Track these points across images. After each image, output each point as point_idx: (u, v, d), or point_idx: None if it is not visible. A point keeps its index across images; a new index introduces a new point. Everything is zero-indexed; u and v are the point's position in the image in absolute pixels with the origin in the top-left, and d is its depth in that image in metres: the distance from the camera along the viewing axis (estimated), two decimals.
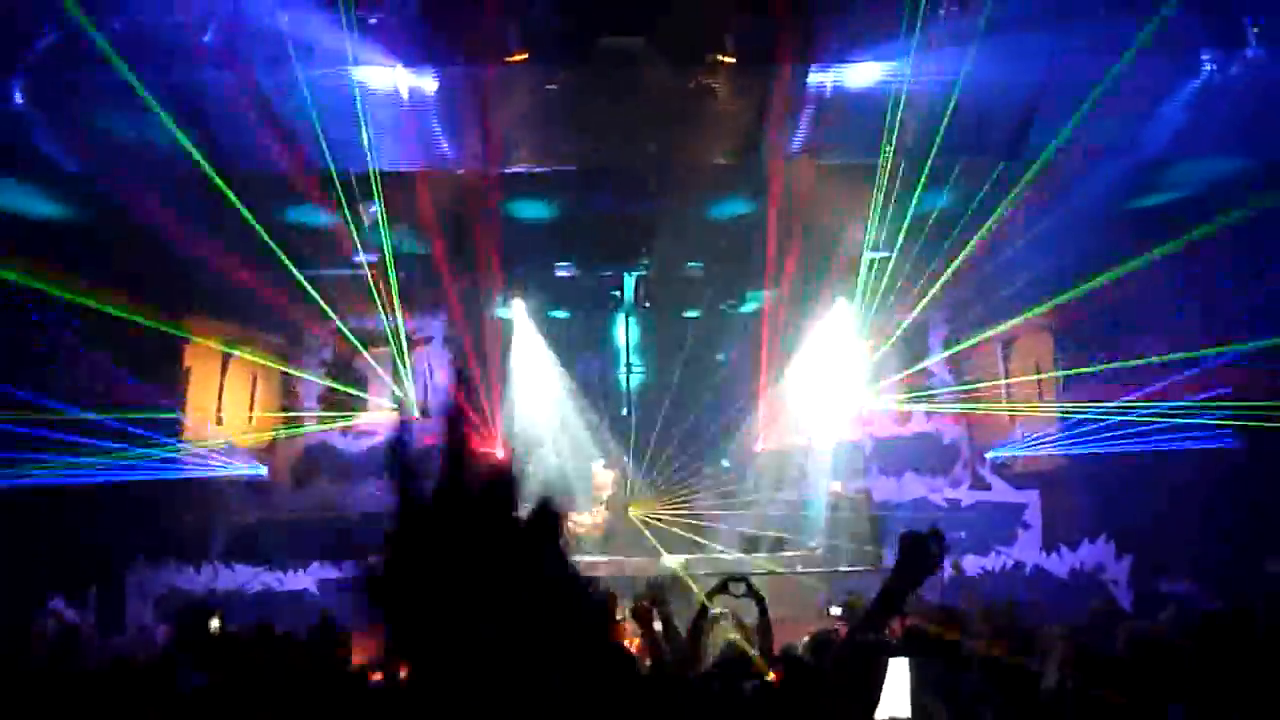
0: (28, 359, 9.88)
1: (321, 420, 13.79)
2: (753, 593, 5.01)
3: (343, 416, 13.78)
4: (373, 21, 9.65)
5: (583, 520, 10.82)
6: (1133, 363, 11.02)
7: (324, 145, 10.27)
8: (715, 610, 5.47)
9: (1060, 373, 13.07)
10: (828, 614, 7.59)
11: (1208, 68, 9.77)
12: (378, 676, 5.06)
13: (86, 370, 10.69)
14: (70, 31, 9.11)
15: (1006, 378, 13.81)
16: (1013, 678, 3.63)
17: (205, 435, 12.84)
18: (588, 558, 10.18)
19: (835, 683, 2.75)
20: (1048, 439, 12.87)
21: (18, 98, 9.55)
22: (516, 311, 13.36)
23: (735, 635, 5.32)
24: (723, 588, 5.01)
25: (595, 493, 11.27)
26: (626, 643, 5.90)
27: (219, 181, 10.32)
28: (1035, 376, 13.56)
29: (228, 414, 13.40)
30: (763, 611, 4.91)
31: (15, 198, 10.15)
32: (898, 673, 3.00)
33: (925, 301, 12.75)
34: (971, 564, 12.74)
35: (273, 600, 11.83)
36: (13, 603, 9.18)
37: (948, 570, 10.98)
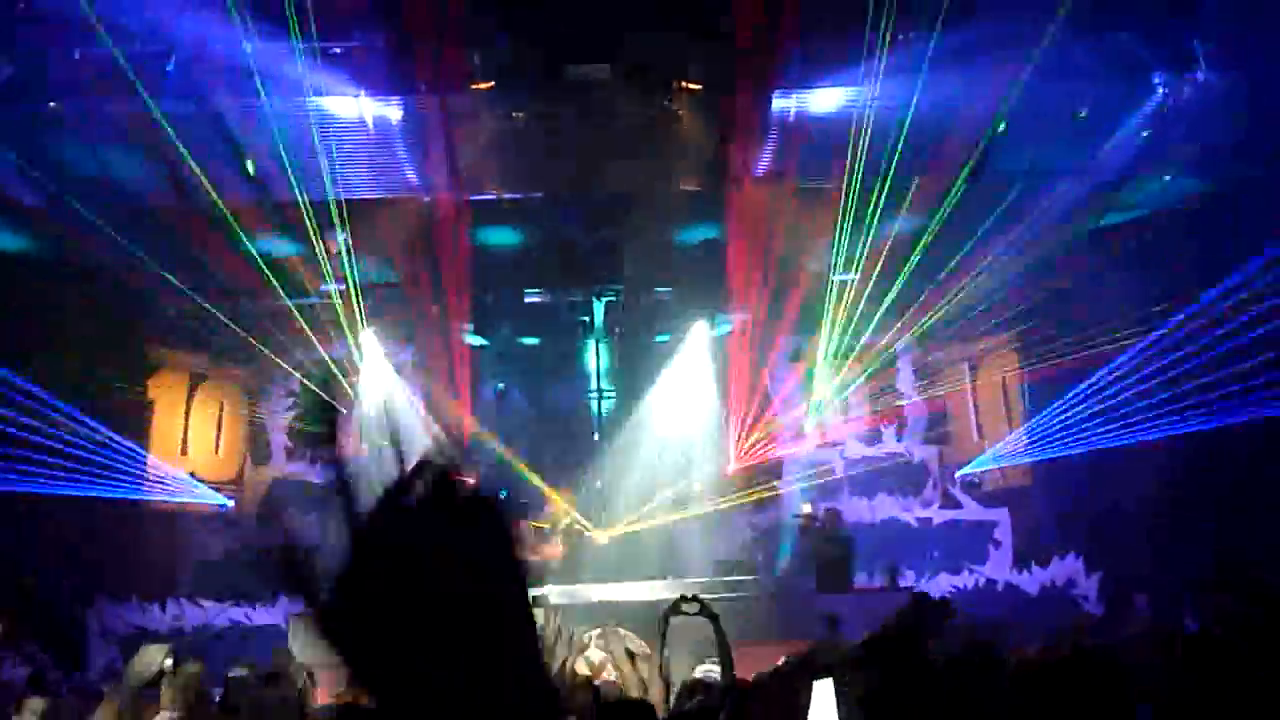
0: None
1: (290, 452, 13.64)
2: (706, 611, 4.97)
3: (310, 448, 13.63)
4: (336, 51, 9.65)
5: (542, 547, 10.73)
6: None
7: (289, 175, 10.23)
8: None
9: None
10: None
11: (1160, 91, 9.98)
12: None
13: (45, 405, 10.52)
14: (29, 63, 9.03)
15: (974, 397, 13.93)
16: (975, 684, 3.62)
17: (171, 467, 12.66)
18: (547, 588, 10.09)
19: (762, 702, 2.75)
20: (1014, 452, 12.98)
21: None
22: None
23: (708, 666, 5.27)
24: (675, 608, 4.98)
25: (553, 519, 11.19)
26: (589, 672, 5.85)
27: (182, 212, 10.25)
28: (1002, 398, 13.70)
29: (194, 446, 13.23)
30: (718, 631, 4.85)
31: None
32: (822, 695, 3.01)
33: (894, 323, 12.88)
34: (944, 582, 12.80)
35: (242, 636, 11.63)
36: None
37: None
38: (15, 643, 9.70)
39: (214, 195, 10.32)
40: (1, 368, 9.84)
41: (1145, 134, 10.25)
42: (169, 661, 3.81)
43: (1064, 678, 3.67)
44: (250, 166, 9.91)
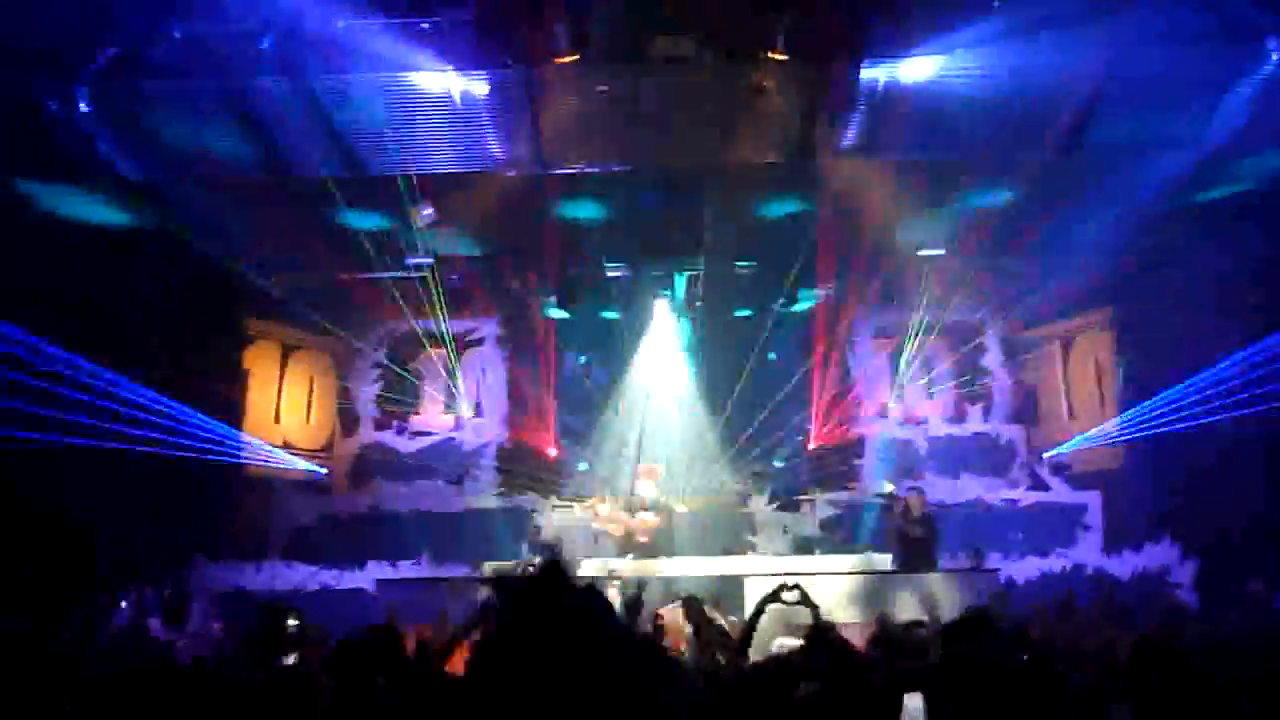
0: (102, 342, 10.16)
1: (377, 422, 13.97)
2: (806, 600, 4.94)
3: (399, 417, 13.95)
4: (425, 26, 9.75)
5: (628, 520, 10.77)
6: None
7: (377, 149, 10.41)
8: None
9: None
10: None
11: (1275, 57, 9.47)
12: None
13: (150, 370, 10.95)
14: (131, 43, 9.33)
15: (1065, 377, 13.54)
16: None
17: (265, 436, 13.08)
18: (634, 560, 10.16)
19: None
20: (1110, 433, 12.57)
21: (82, 106, 9.81)
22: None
23: (792, 640, 5.27)
24: (775, 596, 4.95)
25: (641, 493, 11.19)
26: (670, 641, 5.89)
27: (275, 186, 10.52)
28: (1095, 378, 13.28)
29: (286, 415, 13.64)
30: (816, 619, 4.83)
31: (80, 206, 10.43)
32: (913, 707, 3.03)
33: (982, 299, 12.58)
34: (1030, 566, 12.52)
35: (331, 599, 11.99)
36: (82, 598, 9.41)
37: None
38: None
39: (305, 170, 10.58)
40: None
41: (1255, 104, 9.73)
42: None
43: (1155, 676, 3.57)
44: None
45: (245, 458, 12.56)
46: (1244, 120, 9.91)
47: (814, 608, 4.83)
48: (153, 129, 10.18)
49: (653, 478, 11.26)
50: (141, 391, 10.67)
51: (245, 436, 12.81)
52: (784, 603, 4.93)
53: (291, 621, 5.30)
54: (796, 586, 4.99)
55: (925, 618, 5.77)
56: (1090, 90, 9.76)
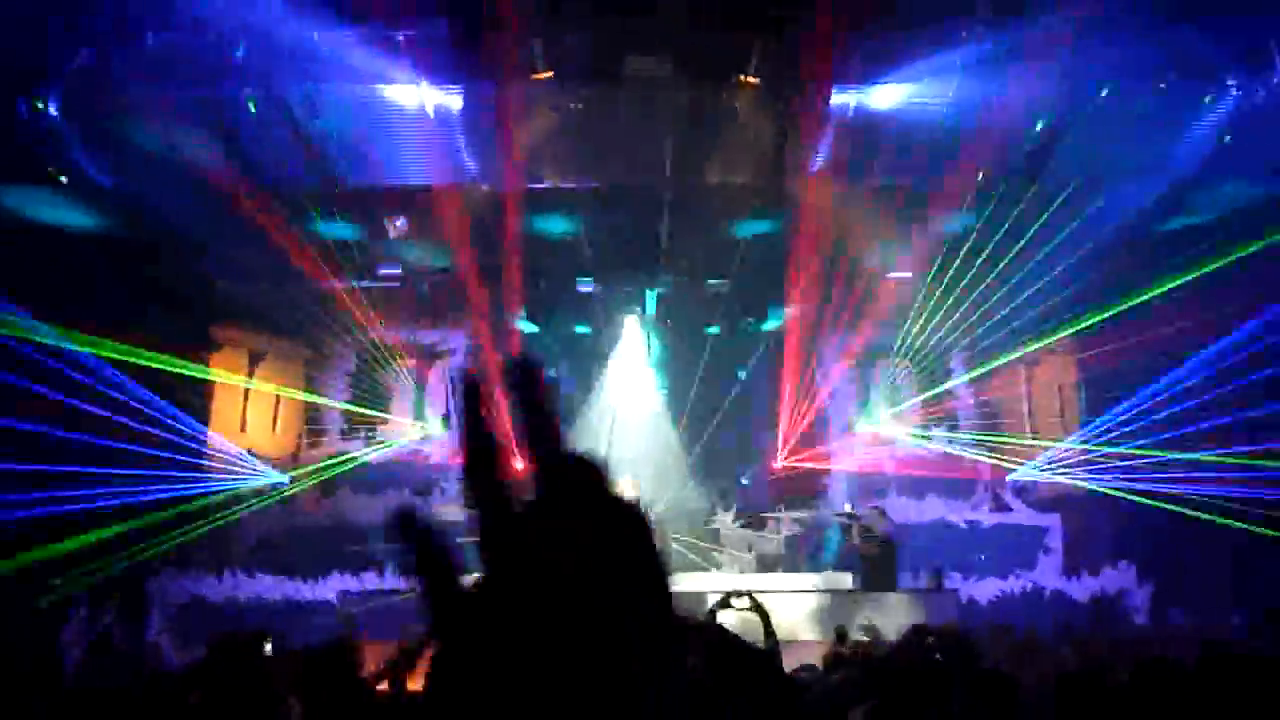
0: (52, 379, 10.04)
1: (344, 432, 13.91)
2: (756, 607, 4.96)
3: (366, 426, 13.89)
4: (400, 39, 9.78)
5: None
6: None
7: (350, 160, 10.43)
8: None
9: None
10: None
11: (1234, 92, 9.72)
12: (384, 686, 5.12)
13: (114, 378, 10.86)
14: (104, 48, 9.31)
15: (1029, 400, 13.72)
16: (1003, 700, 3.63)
17: (230, 445, 12.99)
18: None
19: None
20: (1071, 468, 12.73)
21: (53, 111, 9.77)
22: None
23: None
24: (725, 602, 4.98)
25: None
26: None
27: (246, 195, 10.50)
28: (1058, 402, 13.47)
29: (252, 424, 13.55)
30: (767, 627, 4.85)
31: (48, 209, 10.36)
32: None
33: (948, 323, 12.74)
34: (991, 586, 12.66)
35: (294, 610, 11.93)
36: (37, 609, 9.32)
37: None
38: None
39: (277, 179, 10.57)
40: (75, 345, 10.16)
41: (1216, 137, 9.97)
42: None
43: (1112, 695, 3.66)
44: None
45: (214, 485, 12.46)
46: (1203, 154, 10.16)
47: (764, 615, 4.86)
48: (124, 135, 10.14)
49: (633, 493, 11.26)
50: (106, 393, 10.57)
51: (211, 443, 12.73)
52: (734, 609, 4.95)
53: (267, 647, 5.23)
54: (747, 594, 5.00)
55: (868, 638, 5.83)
56: (1053, 121, 9.96)
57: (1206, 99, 9.80)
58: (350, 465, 13.50)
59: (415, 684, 5.22)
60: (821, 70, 9.83)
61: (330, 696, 4.10)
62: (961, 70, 9.40)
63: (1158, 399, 11.23)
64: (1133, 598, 12.17)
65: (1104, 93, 9.36)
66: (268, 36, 9.48)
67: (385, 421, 13.84)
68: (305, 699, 4.06)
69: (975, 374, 13.82)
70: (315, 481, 13.57)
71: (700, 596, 9.00)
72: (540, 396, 0.69)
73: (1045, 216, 10.84)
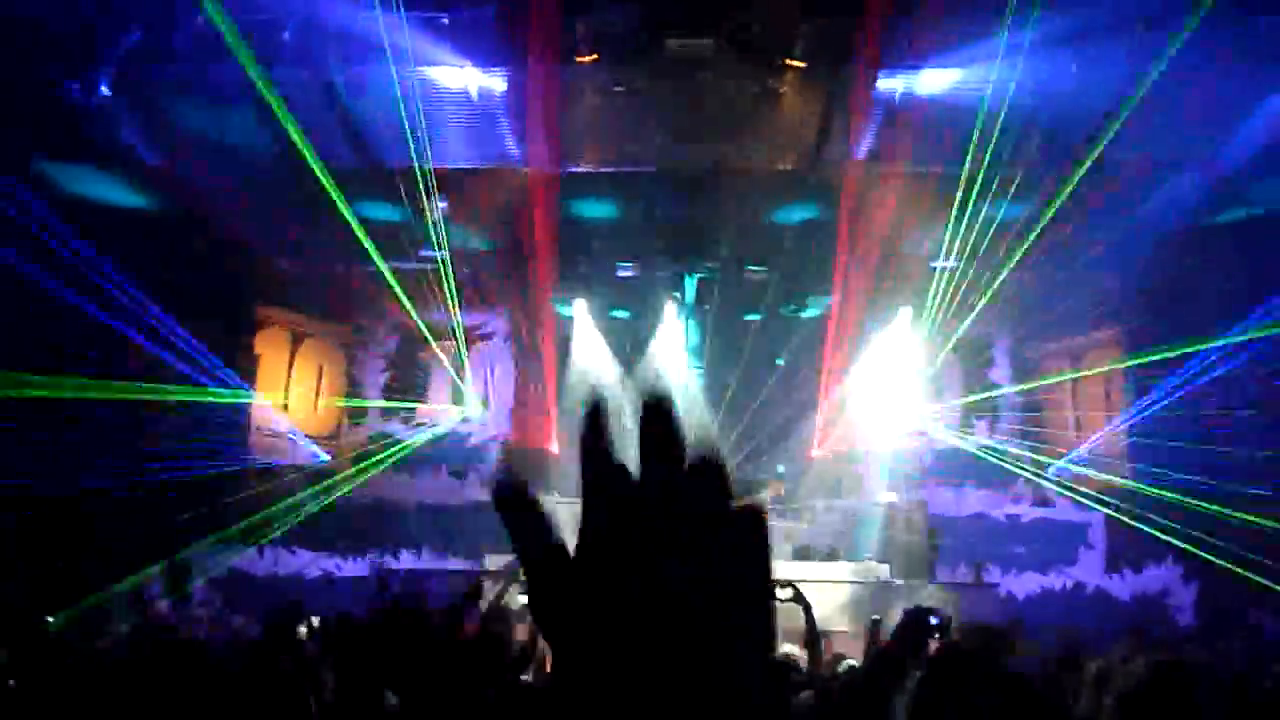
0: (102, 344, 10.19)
1: (384, 412, 14.02)
2: (799, 598, 4.91)
3: (405, 407, 14.00)
4: (445, 22, 9.81)
5: None
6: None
7: (394, 142, 10.47)
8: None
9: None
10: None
11: None
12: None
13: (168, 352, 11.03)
14: (155, 29, 9.41)
15: (1074, 394, 13.49)
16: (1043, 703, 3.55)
17: (273, 421, 13.16)
18: None
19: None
20: (1115, 464, 12.48)
21: (104, 91, 9.90)
22: (578, 310, 13.41)
23: (789, 647, 5.27)
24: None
25: None
26: None
27: (291, 176, 10.59)
28: (1104, 396, 13.22)
29: (294, 401, 13.71)
30: (809, 618, 4.80)
31: (99, 187, 10.52)
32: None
33: (992, 313, 12.55)
34: (1031, 582, 12.49)
35: (332, 586, 12.07)
36: (80, 579, 9.50)
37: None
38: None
39: (322, 160, 10.64)
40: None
41: (1272, 129, 9.69)
42: None
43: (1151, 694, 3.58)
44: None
45: (256, 460, 12.63)
46: (1260, 145, 9.87)
47: (807, 606, 4.81)
48: (173, 115, 10.28)
49: None
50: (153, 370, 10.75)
51: (256, 422, 12.91)
52: (776, 599, 4.91)
53: (301, 630, 5.25)
54: (790, 584, 4.95)
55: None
56: (1107, 108, 9.73)
57: (1266, 88, 9.52)
58: (399, 452, 13.60)
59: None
60: (869, 53, 9.69)
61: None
62: (1012, 55, 9.20)
63: (1205, 392, 10.97)
64: (1177, 596, 11.94)
65: (1161, 81, 9.10)
66: (313, 19, 9.54)
67: (424, 402, 13.94)
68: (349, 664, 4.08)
69: (1019, 367, 13.61)
70: (354, 459, 13.71)
71: None
72: (671, 431, 0.68)
73: (1098, 207, 10.60)
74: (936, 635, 3.28)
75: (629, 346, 13.75)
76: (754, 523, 0.68)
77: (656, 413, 0.68)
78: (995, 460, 13.45)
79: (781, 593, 4.95)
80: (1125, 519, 12.57)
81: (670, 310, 13.42)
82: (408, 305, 13.16)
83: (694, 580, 0.65)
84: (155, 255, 11.04)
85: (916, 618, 3.08)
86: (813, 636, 4.76)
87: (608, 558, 0.66)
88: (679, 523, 0.66)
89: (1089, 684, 4.53)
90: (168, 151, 10.54)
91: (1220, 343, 10.75)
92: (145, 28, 9.44)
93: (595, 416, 0.69)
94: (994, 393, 13.69)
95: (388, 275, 12.67)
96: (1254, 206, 10.65)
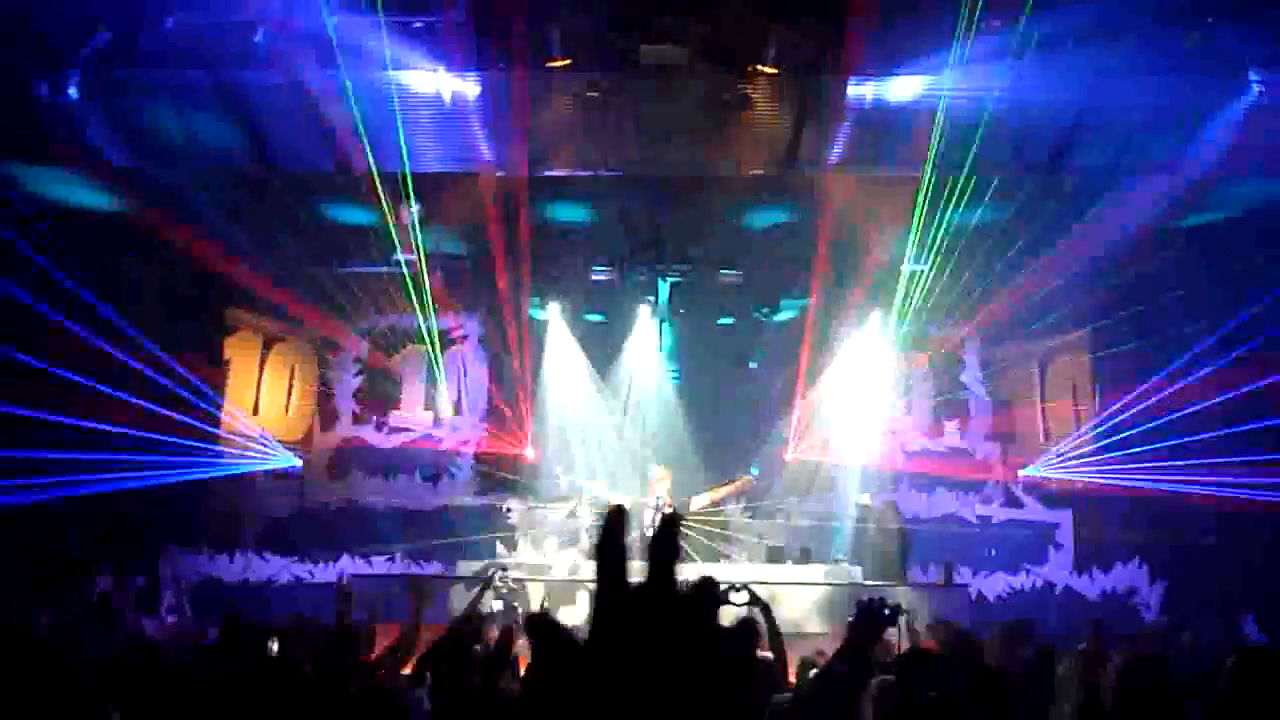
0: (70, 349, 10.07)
1: (356, 417, 13.95)
2: (755, 601, 4.94)
3: (378, 412, 13.93)
4: (417, 25, 9.79)
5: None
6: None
7: (366, 146, 10.43)
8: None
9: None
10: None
11: (1256, 89, 9.62)
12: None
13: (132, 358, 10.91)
14: (123, 30, 9.33)
15: (1043, 396, 13.66)
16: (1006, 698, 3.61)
17: (243, 426, 13.06)
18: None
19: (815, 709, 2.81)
20: (1083, 465, 12.66)
21: (71, 92, 9.80)
22: (551, 314, 13.42)
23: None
24: (724, 597, 4.95)
25: (651, 495, 11.02)
26: None
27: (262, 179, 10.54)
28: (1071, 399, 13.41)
29: (265, 406, 13.62)
30: (770, 621, 4.82)
31: (64, 189, 10.40)
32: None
33: (963, 316, 12.69)
34: (1001, 583, 12.64)
35: (304, 592, 12.00)
36: (49, 584, 9.39)
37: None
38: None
39: (293, 162, 10.60)
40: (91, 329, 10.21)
41: (1237, 133, 9.87)
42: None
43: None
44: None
45: (225, 466, 12.52)
46: (1225, 149, 10.05)
47: (766, 609, 4.85)
48: (142, 117, 10.18)
49: (665, 482, 11.11)
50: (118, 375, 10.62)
51: (226, 427, 12.80)
52: (733, 604, 4.94)
53: (273, 646, 5.19)
54: (745, 588, 4.98)
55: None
56: (1074, 113, 9.88)
57: (1229, 94, 9.70)
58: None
59: (409, 668, 5.25)
60: (840, 60, 9.78)
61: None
62: (982, 62, 9.32)
63: (1172, 396, 11.14)
64: (1144, 595, 12.13)
65: (1126, 86, 9.26)
66: (285, 22, 9.49)
67: (397, 406, 13.88)
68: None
69: (989, 370, 13.77)
70: (326, 464, 13.63)
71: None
72: (673, 555, 0.77)
73: (1065, 211, 10.76)
74: (890, 623, 3.37)
75: (603, 350, 13.79)
76: (744, 637, 0.78)
77: (666, 533, 0.77)
78: (966, 462, 13.61)
79: (736, 597, 4.96)
80: (1092, 519, 12.79)
81: (644, 313, 13.46)
82: (380, 309, 13.12)
83: (682, 680, 0.72)
84: (122, 258, 10.96)
85: (869, 608, 3.18)
86: (775, 639, 4.79)
87: (611, 653, 0.74)
88: (674, 629, 0.74)
89: (1065, 678, 4.62)
90: (136, 153, 10.45)
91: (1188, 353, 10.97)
92: (114, 28, 9.34)
93: (612, 528, 0.77)
94: (964, 394, 13.83)
95: (360, 279, 12.63)
96: (1219, 210, 10.85)
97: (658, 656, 0.72)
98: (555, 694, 0.74)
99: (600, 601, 0.76)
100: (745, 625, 0.78)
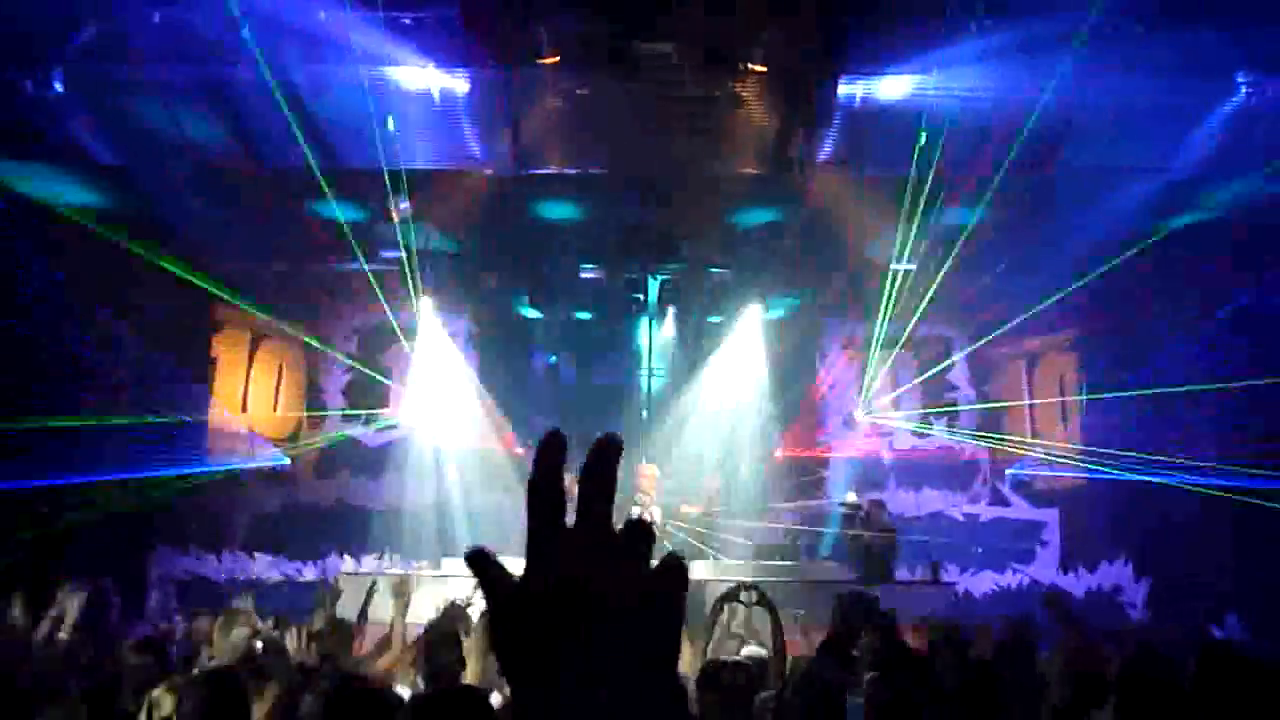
0: (61, 348, 10.00)
1: (345, 416, 13.91)
2: (764, 601, 4.98)
3: (367, 410, 13.90)
4: (407, 21, 9.74)
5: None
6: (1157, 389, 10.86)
7: (356, 142, 10.39)
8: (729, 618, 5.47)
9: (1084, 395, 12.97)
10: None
11: (1243, 91, 9.67)
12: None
13: (119, 355, 10.85)
14: (110, 24, 9.27)
15: (1030, 395, 13.72)
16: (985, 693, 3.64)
17: (231, 424, 13.01)
18: None
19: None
20: (1069, 462, 12.72)
21: (57, 87, 9.73)
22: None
23: (753, 648, 5.33)
24: (734, 594, 4.98)
25: (639, 493, 11.02)
26: None
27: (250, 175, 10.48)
28: (1059, 398, 13.47)
29: (253, 404, 13.57)
30: (775, 621, 4.88)
31: (50, 186, 10.34)
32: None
33: (950, 315, 12.73)
34: (988, 580, 12.70)
35: (292, 590, 11.96)
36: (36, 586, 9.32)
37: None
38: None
39: (282, 158, 10.54)
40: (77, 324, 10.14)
41: (1224, 135, 9.93)
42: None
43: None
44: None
45: (213, 464, 12.46)
46: (1212, 150, 10.11)
47: (774, 610, 4.88)
48: (128, 113, 10.11)
49: (651, 480, 11.12)
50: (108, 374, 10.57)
51: (214, 425, 12.75)
52: (742, 603, 4.97)
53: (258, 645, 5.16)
54: (754, 587, 5.02)
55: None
56: (1062, 115, 9.91)
57: (1216, 97, 9.76)
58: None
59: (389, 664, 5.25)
60: (829, 59, 9.79)
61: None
62: (971, 62, 9.35)
63: (1157, 395, 11.20)
64: (1129, 593, 12.20)
65: (1114, 87, 9.30)
66: (273, 17, 9.44)
67: (386, 404, 13.85)
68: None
69: (977, 369, 13.82)
70: (315, 462, 13.59)
71: (700, 585, 9.02)
72: (607, 491, 0.78)
73: (1052, 211, 10.81)
74: (870, 620, 3.41)
75: (592, 348, 13.80)
76: (677, 573, 0.77)
77: (599, 467, 0.77)
78: (953, 460, 13.67)
79: (746, 596, 5.00)
80: (1079, 517, 12.86)
81: (633, 312, 13.46)
82: (369, 307, 13.08)
83: (612, 618, 0.73)
84: (108, 255, 10.88)
85: (851, 602, 3.22)
86: (779, 638, 4.82)
87: (543, 594, 0.74)
88: (606, 567, 0.74)
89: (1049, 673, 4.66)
90: (123, 150, 10.39)
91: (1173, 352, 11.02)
92: (100, 23, 9.28)
93: (549, 460, 0.77)
94: (952, 394, 13.89)
95: (349, 277, 12.58)
96: (1206, 211, 10.91)
97: (589, 594, 0.73)
98: (498, 628, 0.75)
99: (532, 538, 0.76)
100: (673, 561, 0.78)
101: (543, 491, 0.77)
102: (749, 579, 5.80)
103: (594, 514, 0.77)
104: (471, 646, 4.59)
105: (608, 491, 0.77)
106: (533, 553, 0.76)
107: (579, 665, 0.71)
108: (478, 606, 5.12)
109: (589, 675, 0.71)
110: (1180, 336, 11.14)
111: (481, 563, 0.77)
